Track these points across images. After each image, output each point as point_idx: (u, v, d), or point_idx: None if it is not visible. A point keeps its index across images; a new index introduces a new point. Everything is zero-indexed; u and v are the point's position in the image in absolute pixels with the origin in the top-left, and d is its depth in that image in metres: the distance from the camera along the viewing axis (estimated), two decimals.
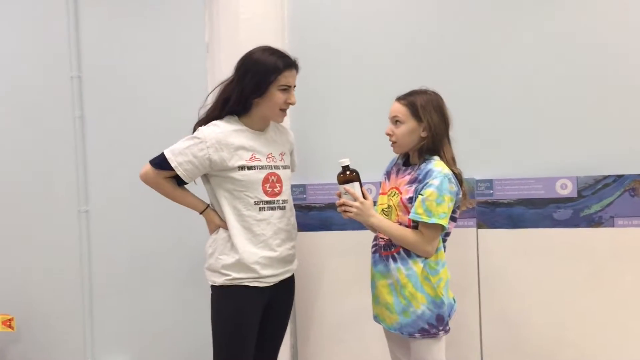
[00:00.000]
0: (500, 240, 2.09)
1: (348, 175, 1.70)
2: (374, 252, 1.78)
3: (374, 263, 1.76)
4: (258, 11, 2.20)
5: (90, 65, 2.62)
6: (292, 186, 2.01)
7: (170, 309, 2.56)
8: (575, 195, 2.02)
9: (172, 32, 2.51)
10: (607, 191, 1.99)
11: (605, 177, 1.99)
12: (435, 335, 1.65)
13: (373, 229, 1.80)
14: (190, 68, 2.45)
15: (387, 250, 1.70)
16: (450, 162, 1.68)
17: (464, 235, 2.07)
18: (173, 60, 2.51)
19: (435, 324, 1.64)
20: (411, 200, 1.64)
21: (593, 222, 2.01)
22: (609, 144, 2.04)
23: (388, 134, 1.72)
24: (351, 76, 2.29)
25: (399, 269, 1.65)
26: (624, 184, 1.98)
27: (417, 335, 1.65)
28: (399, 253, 1.66)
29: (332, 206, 2.20)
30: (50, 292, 2.70)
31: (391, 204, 1.71)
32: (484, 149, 2.14)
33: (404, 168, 1.74)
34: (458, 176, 1.67)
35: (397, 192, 1.70)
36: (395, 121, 1.69)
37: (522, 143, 2.12)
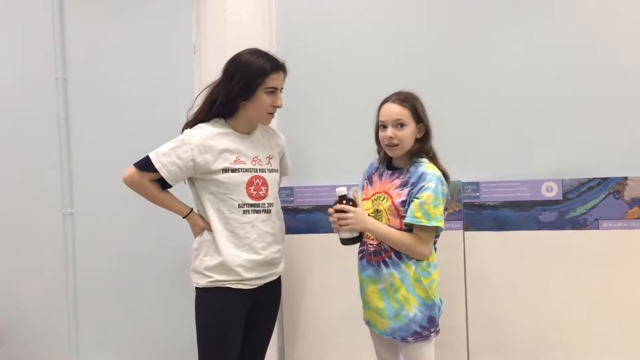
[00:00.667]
0: (487, 243, 2.10)
1: (344, 205, 1.64)
2: (360, 258, 1.76)
3: (362, 269, 1.74)
4: (245, 13, 2.19)
5: (76, 67, 2.60)
6: (280, 188, 2.00)
7: (155, 310, 2.54)
8: (560, 197, 2.04)
9: (158, 34, 2.49)
10: (591, 194, 2.01)
11: (590, 180, 2.01)
12: (427, 338, 1.65)
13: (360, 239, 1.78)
14: (177, 69, 2.43)
15: (377, 255, 1.68)
16: (439, 163, 1.69)
17: (450, 238, 2.07)
18: (160, 62, 2.49)
19: (427, 326, 1.64)
20: (404, 203, 1.63)
21: (578, 224, 2.02)
22: (594, 147, 2.06)
23: (390, 137, 1.66)
24: (338, 78, 2.29)
25: (392, 274, 1.64)
26: (609, 187, 1.99)
27: (410, 339, 1.65)
28: (390, 257, 1.65)
29: (319, 208, 2.20)
30: (34, 295, 2.67)
31: (381, 208, 1.69)
32: (471, 152, 2.15)
33: (389, 172, 1.73)
34: (447, 177, 1.68)
35: (387, 196, 1.68)
36: (399, 124, 1.66)
37: (508, 146, 2.13)
